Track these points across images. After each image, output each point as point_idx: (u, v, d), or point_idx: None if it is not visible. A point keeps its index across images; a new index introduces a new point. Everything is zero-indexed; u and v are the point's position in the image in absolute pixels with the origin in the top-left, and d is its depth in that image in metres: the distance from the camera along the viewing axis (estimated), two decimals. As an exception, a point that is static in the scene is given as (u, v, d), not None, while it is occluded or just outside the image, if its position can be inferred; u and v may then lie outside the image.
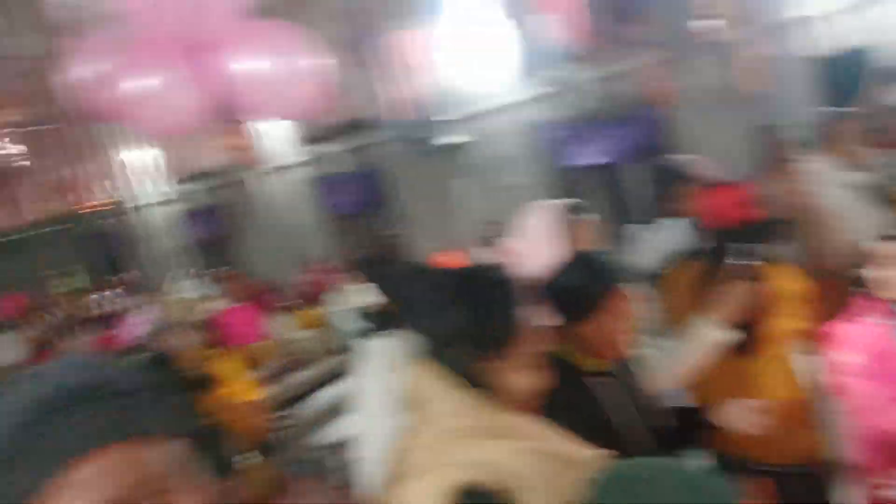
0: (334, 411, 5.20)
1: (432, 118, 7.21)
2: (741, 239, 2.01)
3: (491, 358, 1.19)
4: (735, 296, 1.90)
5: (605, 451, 1.20)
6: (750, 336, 2.02)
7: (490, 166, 7.60)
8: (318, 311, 7.15)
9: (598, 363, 1.65)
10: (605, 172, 6.91)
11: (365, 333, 1.96)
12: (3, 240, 10.57)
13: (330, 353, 6.71)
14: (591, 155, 6.68)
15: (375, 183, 8.81)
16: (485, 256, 7.19)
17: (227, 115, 1.86)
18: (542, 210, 2.16)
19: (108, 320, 8.86)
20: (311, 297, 7.69)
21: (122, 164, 6.40)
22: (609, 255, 1.79)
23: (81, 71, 2.01)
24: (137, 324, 8.49)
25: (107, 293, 11.81)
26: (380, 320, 1.97)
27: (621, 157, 6.53)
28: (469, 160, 7.81)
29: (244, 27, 1.85)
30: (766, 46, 5.11)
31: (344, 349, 6.76)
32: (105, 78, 1.78)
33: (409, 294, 1.75)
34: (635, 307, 1.70)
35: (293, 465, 5.15)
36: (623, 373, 1.71)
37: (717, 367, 1.96)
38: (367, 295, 7.08)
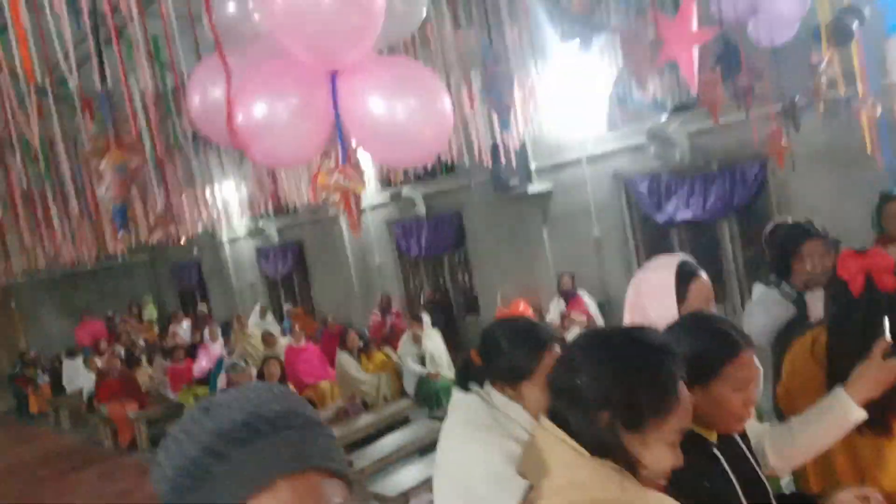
0: (396, 459, 5.01)
1: (519, 165, 7.12)
2: (888, 310, 1.75)
3: (635, 431, 1.09)
4: (887, 373, 1.65)
5: None
6: (883, 416, 1.74)
7: (574, 217, 7.42)
8: (386, 354, 7.02)
9: (708, 434, 1.48)
10: (696, 229, 6.59)
11: (459, 384, 1.79)
12: (92, 269, 11.12)
13: (395, 397, 6.54)
14: (682, 210, 6.39)
15: (450, 227, 8.75)
16: (556, 308, 6.99)
17: (344, 151, 1.73)
18: (657, 266, 1.95)
19: (179, 352, 9.02)
20: (380, 340, 7.60)
21: (210, 199, 6.56)
22: (728, 319, 1.58)
23: (207, 93, 1.91)
24: (207, 357, 8.63)
25: (181, 325, 12.14)
26: (466, 373, 1.78)
27: (714, 213, 6.21)
28: (551, 209, 7.65)
29: (377, 60, 1.73)
30: (881, 108, 4.79)
31: (410, 395, 6.64)
32: (233, 100, 1.68)
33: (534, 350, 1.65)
34: (757, 377, 1.51)
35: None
36: (730, 448, 1.52)
37: (837, 449, 1.76)
38: (437, 341, 6.95)
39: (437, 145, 1.71)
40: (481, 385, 1.72)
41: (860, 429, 1.67)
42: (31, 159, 4.70)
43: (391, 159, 1.88)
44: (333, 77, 1.53)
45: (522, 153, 7.09)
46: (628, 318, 1.89)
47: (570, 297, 6.95)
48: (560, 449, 1.12)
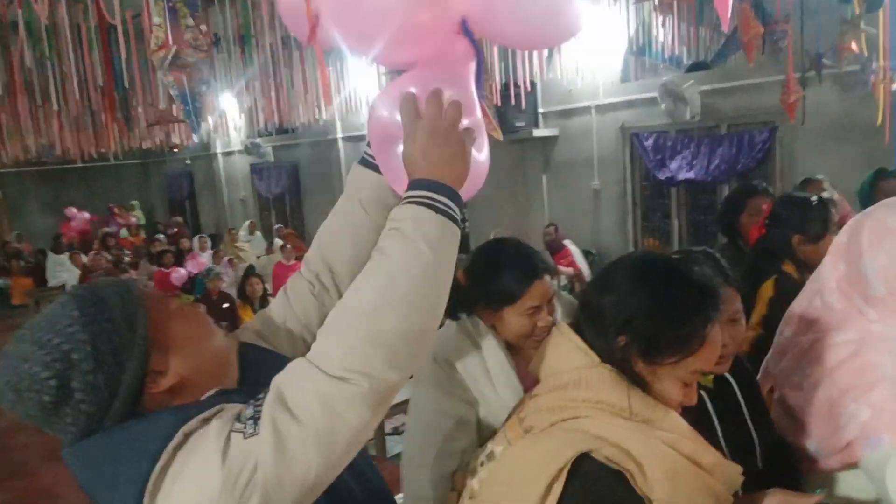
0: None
1: (528, 107, 7.03)
2: None
3: (648, 362, 1.06)
4: None
5: (736, 467, 1.11)
6: None
7: (576, 165, 7.39)
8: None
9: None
10: (696, 190, 6.61)
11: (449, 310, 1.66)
12: (83, 166, 10.95)
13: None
14: (685, 170, 6.38)
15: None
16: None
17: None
18: None
19: (168, 257, 9.01)
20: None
21: (214, 109, 6.44)
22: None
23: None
24: (194, 265, 8.65)
25: (169, 231, 12.08)
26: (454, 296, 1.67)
27: (717, 176, 6.21)
28: (554, 155, 7.62)
29: None
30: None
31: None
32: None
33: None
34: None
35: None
36: (723, 393, 1.45)
37: None
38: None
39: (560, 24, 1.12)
40: (469, 312, 1.61)
41: None
42: (35, 40, 4.57)
43: (524, 41, 1.31)
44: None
45: (532, 95, 7.00)
46: (829, 264, 1.46)
47: (555, 249, 6.95)
48: (572, 353, 1.11)
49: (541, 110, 7.45)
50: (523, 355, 1.53)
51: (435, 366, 1.54)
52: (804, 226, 2.15)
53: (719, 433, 1.38)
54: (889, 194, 3.61)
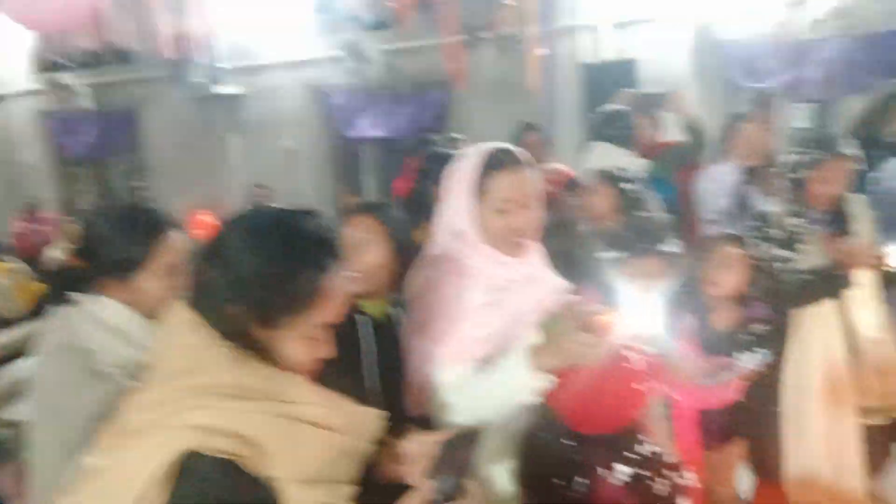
0: (17, 386, 4.36)
1: (205, 62, 6.47)
2: None
3: (265, 327, 0.99)
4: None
5: (376, 413, 1.10)
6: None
7: (267, 125, 7.05)
8: (17, 264, 5.86)
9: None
10: (387, 147, 6.76)
11: (55, 299, 1.47)
12: None
13: (30, 316, 5.64)
14: (372, 127, 6.48)
15: (123, 125, 7.62)
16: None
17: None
18: (470, 152, 1.51)
19: None
20: (24, 250, 6.44)
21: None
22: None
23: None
24: None
25: None
26: (63, 281, 1.50)
27: (402, 133, 6.43)
28: (242, 115, 7.17)
29: None
30: (545, 48, 5.41)
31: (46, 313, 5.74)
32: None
33: None
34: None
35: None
36: (385, 328, 1.54)
37: None
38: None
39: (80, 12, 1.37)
40: (88, 292, 1.45)
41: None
42: None
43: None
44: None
45: (210, 49, 6.47)
46: (438, 212, 1.55)
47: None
48: (186, 335, 1.00)
49: (223, 66, 6.88)
50: None
51: (72, 356, 1.38)
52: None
53: (376, 364, 1.44)
54: (530, 147, 4.02)
